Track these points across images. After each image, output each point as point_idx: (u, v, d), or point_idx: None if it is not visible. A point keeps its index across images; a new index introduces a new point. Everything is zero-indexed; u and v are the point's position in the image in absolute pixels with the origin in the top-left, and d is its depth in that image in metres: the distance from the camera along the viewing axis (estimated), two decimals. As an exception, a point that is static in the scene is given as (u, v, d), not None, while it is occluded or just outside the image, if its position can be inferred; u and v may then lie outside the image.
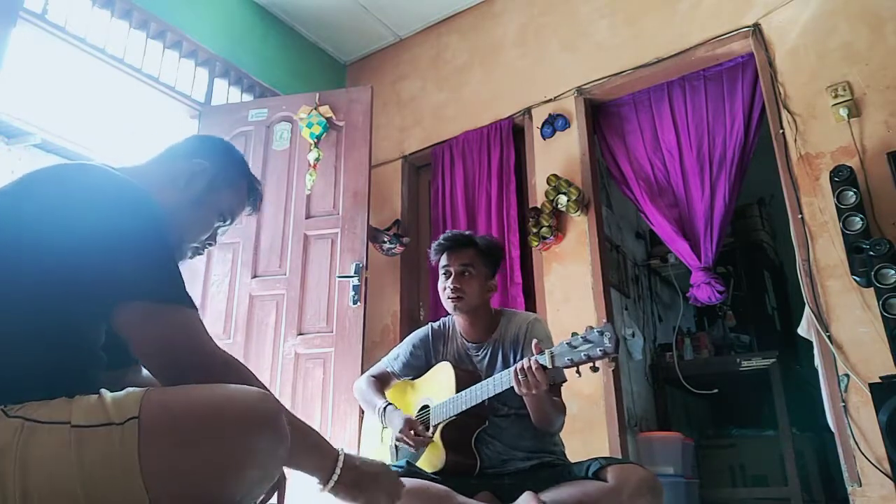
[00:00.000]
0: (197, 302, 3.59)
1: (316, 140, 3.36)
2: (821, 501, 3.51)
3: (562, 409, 1.87)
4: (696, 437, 3.69)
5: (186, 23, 3.57)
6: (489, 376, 1.83)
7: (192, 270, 3.31)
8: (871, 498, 2.38)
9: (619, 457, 2.82)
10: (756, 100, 3.12)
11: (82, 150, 3.22)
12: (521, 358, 1.75)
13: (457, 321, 2.07)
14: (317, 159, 3.31)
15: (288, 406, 2.86)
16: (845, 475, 2.46)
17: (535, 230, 3.34)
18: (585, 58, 3.56)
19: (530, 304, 3.36)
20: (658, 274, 4.31)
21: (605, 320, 1.59)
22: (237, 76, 3.85)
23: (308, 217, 3.31)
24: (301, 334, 3.12)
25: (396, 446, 2.01)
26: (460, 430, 1.86)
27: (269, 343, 3.13)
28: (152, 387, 0.95)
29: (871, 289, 2.39)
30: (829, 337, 2.58)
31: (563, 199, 3.26)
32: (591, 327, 1.60)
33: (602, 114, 3.60)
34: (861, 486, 2.41)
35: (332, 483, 1.09)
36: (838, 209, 2.54)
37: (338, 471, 1.08)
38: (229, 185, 1.30)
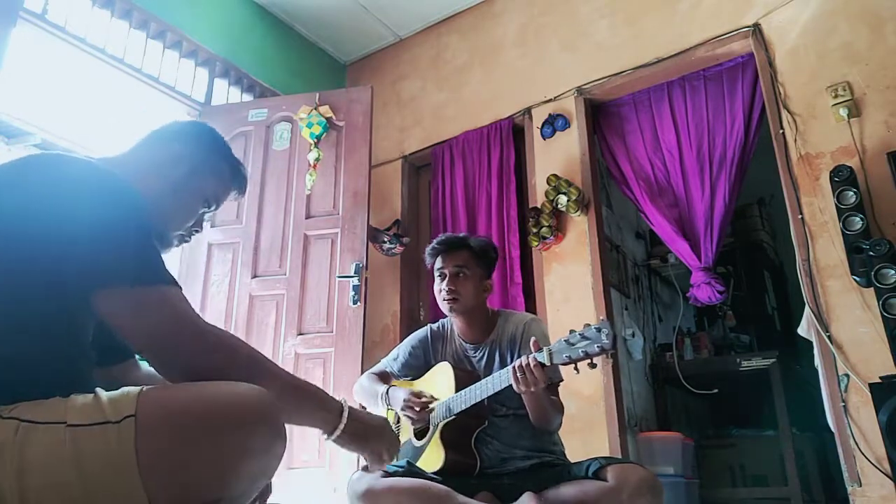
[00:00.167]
0: (197, 302, 3.60)
1: (316, 140, 3.36)
2: (821, 501, 3.51)
3: (560, 408, 1.88)
4: (696, 437, 3.69)
5: (186, 23, 3.57)
6: (487, 376, 1.83)
7: (192, 270, 3.31)
8: (871, 498, 2.38)
9: (619, 457, 2.82)
10: (756, 100, 3.12)
11: (82, 150, 3.21)
12: (519, 357, 1.75)
13: (454, 323, 2.08)
14: (317, 159, 3.32)
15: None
16: (845, 475, 2.46)
17: (535, 230, 3.34)
18: (585, 58, 3.56)
19: (530, 304, 3.36)
20: (658, 274, 4.31)
21: (602, 318, 1.59)
22: (237, 76, 3.85)
23: (308, 217, 3.31)
24: (301, 334, 3.12)
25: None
26: (460, 429, 1.87)
27: (269, 343, 3.13)
28: (149, 385, 0.94)
29: (871, 289, 2.39)
30: (829, 337, 2.58)
31: (563, 199, 3.26)
32: (589, 324, 1.60)
33: (602, 114, 3.60)
34: (861, 486, 2.41)
35: (337, 433, 1.09)
36: (838, 209, 2.54)
37: (344, 420, 1.09)
38: (211, 170, 1.28)
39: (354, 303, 3.07)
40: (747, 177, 3.18)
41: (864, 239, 2.44)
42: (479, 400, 1.81)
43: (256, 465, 0.91)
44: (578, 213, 3.28)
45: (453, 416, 1.85)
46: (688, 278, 3.26)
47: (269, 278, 3.25)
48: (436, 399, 1.91)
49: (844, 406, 2.49)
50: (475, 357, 2.01)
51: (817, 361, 2.65)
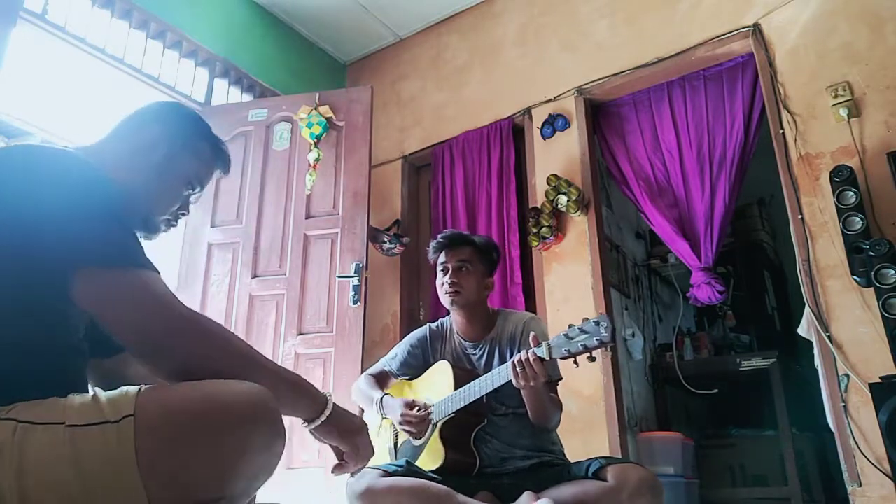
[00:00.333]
0: (197, 302, 3.59)
1: (316, 140, 3.36)
2: (821, 501, 3.51)
3: (559, 405, 1.89)
4: (696, 437, 3.69)
5: (186, 23, 3.57)
6: (487, 373, 1.83)
7: (192, 270, 3.31)
8: (871, 498, 2.38)
9: (619, 457, 2.82)
10: (756, 100, 3.12)
11: (82, 150, 3.21)
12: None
13: (454, 320, 2.08)
14: (317, 159, 3.32)
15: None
16: (845, 475, 2.46)
17: (535, 230, 3.34)
18: (585, 58, 3.56)
19: (530, 304, 3.36)
20: (658, 274, 4.31)
21: (601, 312, 1.60)
22: (237, 76, 3.86)
23: (308, 217, 3.31)
24: (301, 334, 3.12)
25: (396, 445, 2.01)
26: (459, 428, 1.87)
27: (269, 343, 3.13)
28: (142, 377, 0.94)
29: (871, 289, 2.39)
30: (829, 337, 2.58)
31: (563, 199, 3.26)
32: (588, 319, 1.60)
33: (602, 114, 3.60)
34: (861, 486, 2.41)
35: (321, 419, 1.07)
36: (838, 209, 2.54)
37: (327, 412, 1.07)
38: (190, 151, 1.25)
39: (354, 303, 3.07)
40: (747, 177, 3.18)
41: (864, 239, 2.44)
42: (478, 396, 1.81)
43: (256, 463, 0.90)
44: (578, 213, 3.27)
45: (452, 414, 1.85)
46: (688, 278, 3.26)
47: (269, 278, 3.25)
48: (430, 407, 1.91)
49: (844, 406, 2.49)
50: (475, 355, 2.01)
51: (817, 361, 2.65)
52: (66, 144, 1.14)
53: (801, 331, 2.72)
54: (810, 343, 2.70)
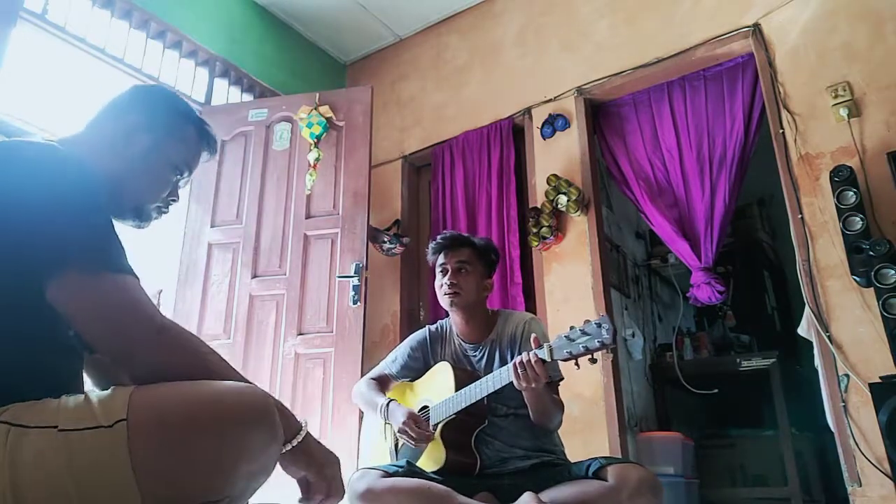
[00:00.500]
0: (197, 302, 3.59)
1: (316, 140, 3.36)
2: (821, 501, 3.51)
3: (560, 406, 1.88)
4: (696, 437, 3.69)
5: (186, 23, 3.57)
6: (488, 375, 1.83)
7: (192, 270, 3.31)
8: (871, 498, 2.38)
9: (619, 457, 2.82)
10: (756, 100, 3.12)
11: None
12: (520, 355, 1.75)
13: (454, 321, 2.08)
14: (317, 159, 3.32)
15: (288, 406, 2.86)
16: (845, 475, 2.46)
17: (535, 230, 3.34)
18: (585, 58, 3.56)
19: (530, 304, 3.36)
20: (658, 274, 4.31)
21: (602, 314, 1.59)
22: (237, 76, 3.86)
23: (308, 217, 3.31)
24: (301, 334, 3.12)
25: (397, 446, 2.01)
26: (460, 429, 1.87)
27: (269, 343, 3.13)
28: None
29: (871, 289, 2.39)
30: (829, 337, 2.58)
31: (563, 199, 3.26)
32: (589, 320, 1.60)
33: (602, 114, 3.60)
34: (861, 486, 2.41)
35: (288, 447, 0.99)
36: (838, 209, 2.54)
37: (299, 437, 1.01)
38: (174, 135, 1.22)
39: (354, 303, 3.07)
40: (747, 177, 3.18)
41: (864, 239, 2.44)
42: (479, 398, 1.81)
43: (253, 464, 0.89)
44: (578, 213, 3.27)
45: (453, 416, 1.85)
46: (688, 278, 3.26)
47: (269, 278, 3.25)
48: (433, 431, 1.89)
49: (844, 406, 2.49)
50: (475, 357, 2.01)
51: (817, 361, 2.65)
52: (48, 137, 1.10)
53: (801, 331, 2.72)
54: (810, 343, 2.69)
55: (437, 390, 1.95)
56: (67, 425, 0.84)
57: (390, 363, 2.15)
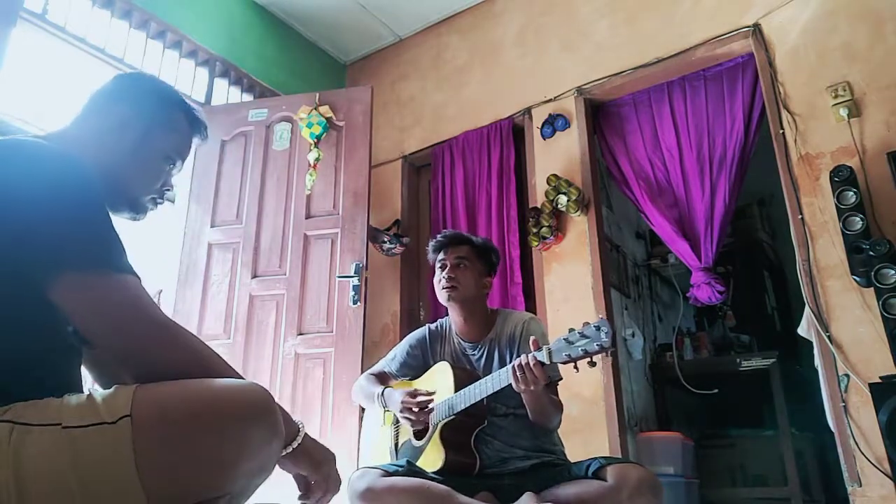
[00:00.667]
0: (197, 302, 3.59)
1: (316, 140, 3.36)
2: (821, 501, 3.51)
3: (559, 406, 1.89)
4: (696, 437, 3.69)
5: (186, 23, 3.57)
6: (487, 375, 1.83)
7: (192, 270, 3.31)
8: (871, 498, 2.38)
9: (619, 457, 2.82)
10: (756, 100, 3.12)
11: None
12: (518, 356, 1.75)
13: (453, 320, 2.08)
14: (317, 159, 3.32)
15: (287, 406, 2.86)
16: (845, 475, 2.46)
17: (535, 230, 3.34)
18: (585, 58, 3.56)
19: (530, 304, 3.36)
20: (658, 274, 4.31)
21: (601, 316, 1.59)
22: (237, 76, 3.86)
23: (308, 217, 3.31)
24: (301, 334, 3.12)
25: (397, 446, 2.01)
26: (459, 429, 1.87)
27: (269, 343, 3.13)
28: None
29: (871, 289, 2.40)
30: (829, 337, 2.58)
31: (563, 199, 3.26)
32: (588, 323, 1.60)
33: (602, 114, 3.60)
34: (861, 486, 2.41)
35: (288, 450, 1.02)
36: (838, 209, 2.54)
37: (298, 440, 1.04)
38: (164, 125, 1.20)
39: (354, 303, 3.07)
40: (747, 177, 3.18)
41: (864, 239, 2.44)
42: (478, 399, 1.81)
43: (254, 460, 0.90)
44: (578, 213, 3.28)
45: (453, 416, 1.85)
46: (688, 278, 3.26)
47: (269, 278, 3.25)
48: (432, 394, 1.90)
49: (844, 406, 2.49)
50: (474, 356, 2.01)
51: (817, 361, 2.65)
52: (38, 133, 1.09)
53: (801, 331, 2.72)
54: (810, 343, 2.69)
55: (437, 390, 1.95)
56: (71, 422, 0.85)
57: (389, 361, 2.16)
